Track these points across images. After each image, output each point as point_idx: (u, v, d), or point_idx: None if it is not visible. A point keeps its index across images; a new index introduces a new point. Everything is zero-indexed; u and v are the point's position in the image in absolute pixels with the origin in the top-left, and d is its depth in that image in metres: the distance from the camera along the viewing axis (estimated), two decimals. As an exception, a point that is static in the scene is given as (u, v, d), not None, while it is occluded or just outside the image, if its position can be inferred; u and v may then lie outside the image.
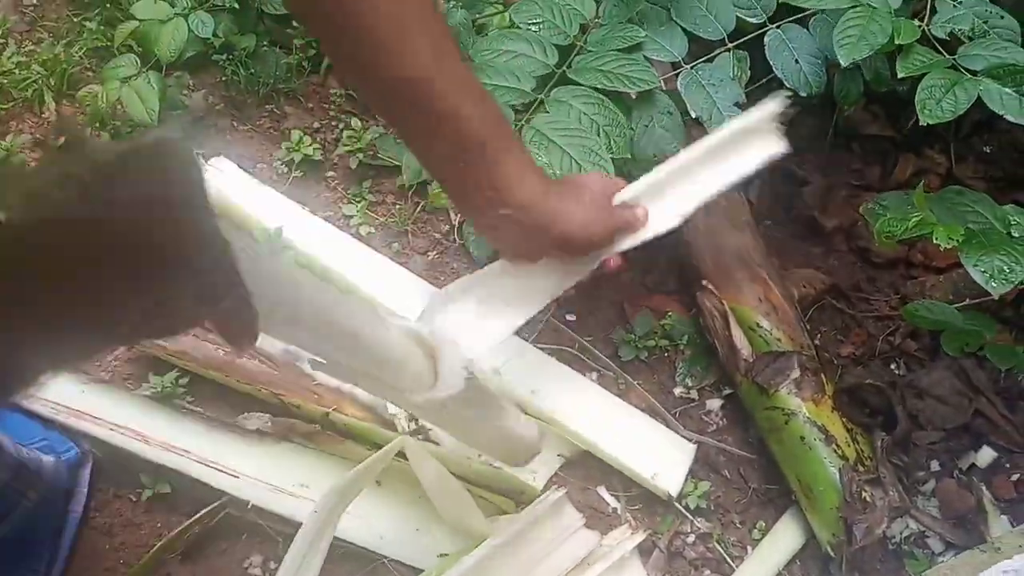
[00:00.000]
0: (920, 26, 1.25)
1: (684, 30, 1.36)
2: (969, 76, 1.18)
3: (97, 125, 1.57)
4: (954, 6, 1.29)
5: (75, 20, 1.70)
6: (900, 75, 1.21)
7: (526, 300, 0.91)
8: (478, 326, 0.98)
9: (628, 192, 0.96)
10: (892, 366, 1.62)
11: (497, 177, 0.80)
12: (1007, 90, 1.17)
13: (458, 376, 0.84)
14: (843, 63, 1.23)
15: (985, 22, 1.28)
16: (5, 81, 1.59)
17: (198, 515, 1.24)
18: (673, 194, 0.98)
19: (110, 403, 1.31)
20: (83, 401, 1.31)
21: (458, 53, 0.78)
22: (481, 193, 0.82)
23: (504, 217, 0.83)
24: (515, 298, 0.93)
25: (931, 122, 1.16)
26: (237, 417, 1.34)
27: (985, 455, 1.51)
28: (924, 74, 1.19)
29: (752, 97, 1.32)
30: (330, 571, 1.22)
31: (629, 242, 0.95)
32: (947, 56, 1.22)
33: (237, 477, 1.26)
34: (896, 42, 1.21)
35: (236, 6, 1.63)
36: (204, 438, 1.29)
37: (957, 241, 1.14)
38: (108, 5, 1.69)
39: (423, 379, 0.82)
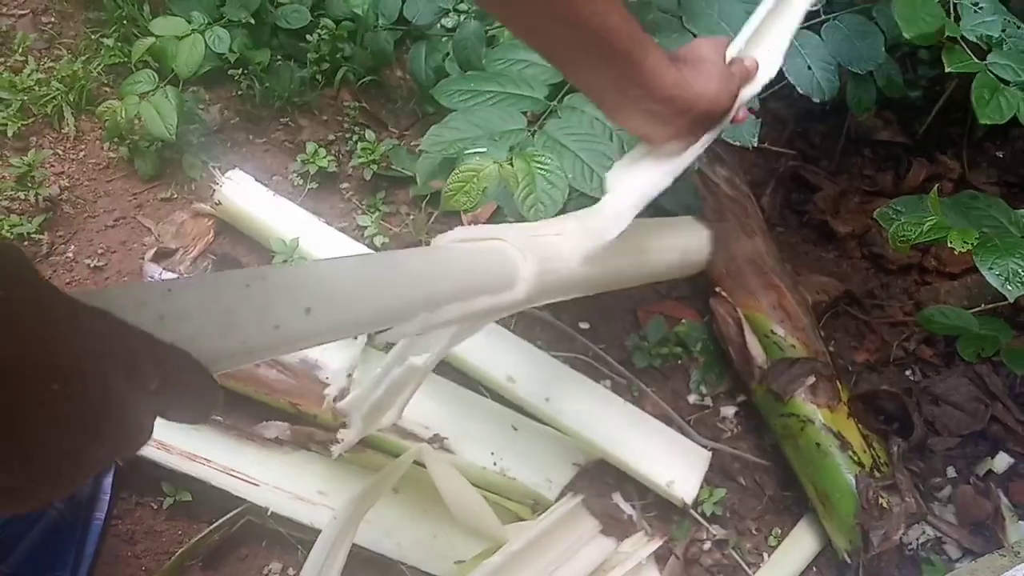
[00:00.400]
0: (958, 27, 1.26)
1: (696, 36, 1.36)
2: (1010, 88, 1.19)
3: (116, 140, 1.59)
4: (975, 11, 1.30)
5: (93, 37, 1.73)
6: (948, 69, 1.22)
7: (681, 161, 0.98)
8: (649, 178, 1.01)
9: (733, 48, 1.01)
10: (907, 372, 1.62)
11: (643, 77, 0.84)
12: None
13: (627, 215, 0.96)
14: (907, 35, 1.23)
15: (1002, 31, 1.29)
16: (26, 98, 1.61)
17: (218, 522, 1.25)
18: (769, 35, 1.02)
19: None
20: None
21: None
22: (628, 94, 0.86)
23: (650, 110, 0.88)
24: (670, 162, 0.99)
25: (989, 122, 1.17)
26: (256, 426, 1.35)
27: (1002, 461, 1.50)
28: (966, 73, 1.20)
29: (765, 103, 1.33)
30: (348, 578, 1.22)
31: (749, 92, 1.00)
32: (978, 61, 1.23)
33: (257, 485, 1.27)
34: (948, 34, 1.22)
35: (251, 22, 1.65)
36: (224, 447, 1.30)
37: (972, 245, 1.14)
38: (125, 22, 1.72)
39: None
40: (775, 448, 1.47)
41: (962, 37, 1.26)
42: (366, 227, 1.58)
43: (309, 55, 1.70)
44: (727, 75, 0.94)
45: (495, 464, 1.35)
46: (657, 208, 1.48)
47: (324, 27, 1.68)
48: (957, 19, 1.29)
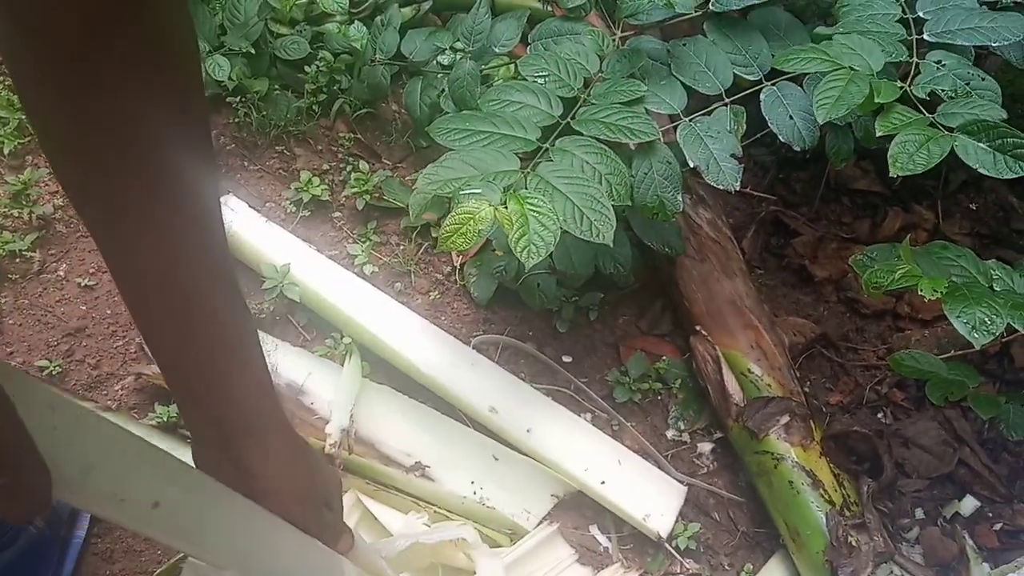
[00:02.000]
0: (902, 87, 1.31)
1: (684, 85, 1.41)
2: (944, 132, 1.24)
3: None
4: (937, 68, 1.36)
5: (93, 58, 1.75)
6: (879, 133, 1.27)
7: None
8: None
9: None
10: (879, 415, 1.66)
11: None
12: (981, 145, 1.22)
13: None
14: (820, 121, 1.29)
15: (967, 83, 1.35)
16: (23, 117, 1.63)
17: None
18: None
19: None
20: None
21: None
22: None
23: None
24: None
25: (902, 174, 1.22)
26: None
27: (968, 504, 1.54)
28: (898, 132, 1.25)
29: (748, 149, 1.37)
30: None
31: None
32: (927, 115, 1.28)
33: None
34: (876, 101, 1.27)
35: (251, 51, 1.69)
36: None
37: (941, 293, 1.18)
38: (126, 46, 1.75)
39: None
40: (749, 485, 1.51)
41: (914, 95, 1.32)
42: (356, 256, 1.62)
43: (307, 86, 1.74)
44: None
45: (475, 493, 1.38)
46: (643, 248, 1.54)
47: (322, 59, 1.72)
48: (913, 77, 1.35)
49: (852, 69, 1.31)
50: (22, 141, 1.63)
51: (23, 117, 1.64)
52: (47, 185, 1.60)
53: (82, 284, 1.51)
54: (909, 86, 1.33)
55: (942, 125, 1.26)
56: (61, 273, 1.52)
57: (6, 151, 1.60)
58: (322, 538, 0.78)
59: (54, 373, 1.41)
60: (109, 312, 1.49)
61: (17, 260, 1.51)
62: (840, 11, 1.47)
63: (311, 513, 0.76)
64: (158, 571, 1.25)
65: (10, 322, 1.45)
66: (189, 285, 0.59)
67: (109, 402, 1.41)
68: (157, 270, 0.57)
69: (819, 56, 1.34)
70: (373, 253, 1.64)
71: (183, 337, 0.61)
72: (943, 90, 1.34)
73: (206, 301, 0.60)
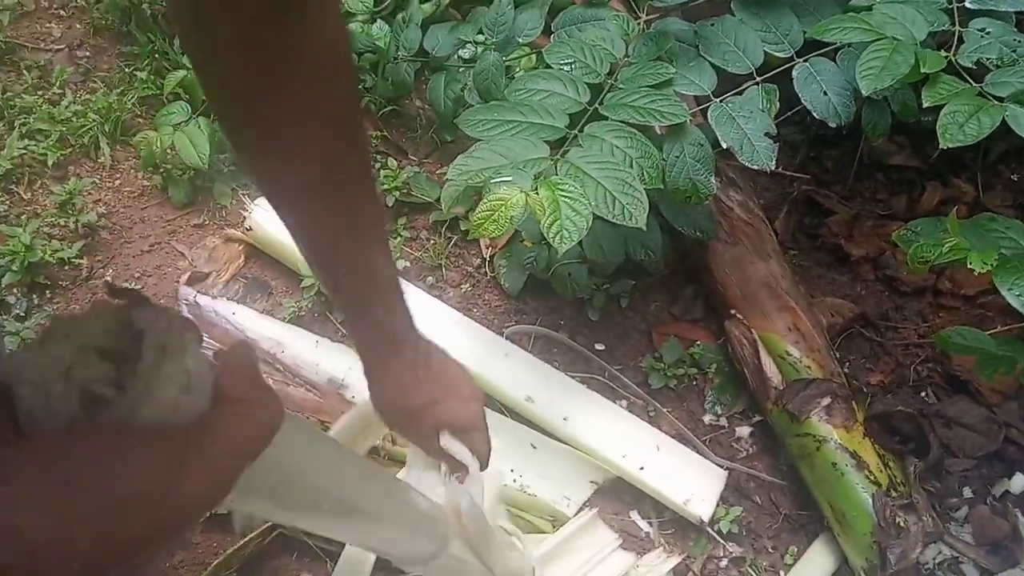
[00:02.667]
0: (947, 56, 1.28)
1: (713, 65, 1.40)
2: (994, 102, 1.21)
3: (150, 169, 1.65)
4: (982, 36, 1.33)
5: (126, 70, 1.79)
6: (925, 104, 1.24)
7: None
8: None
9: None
10: (922, 394, 1.63)
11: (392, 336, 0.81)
12: (1035, 114, 1.19)
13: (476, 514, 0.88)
14: (865, 93, 1.26)
15: (1014, 51, 1.31)
16: (64, 129, 1.67)
17: (251, 535, 1.28)
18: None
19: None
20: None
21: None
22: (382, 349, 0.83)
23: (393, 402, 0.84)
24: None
25: (951, 146, 1.19)
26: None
27: (1018, 482, 1.51)
28: (946, 103, 1.22)
29: (778, 128, 1.36)
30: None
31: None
32: (974, 84, 1.25)
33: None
34: (922, 71, 1.24)
35: (279, 53, 1.70)
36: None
37: (991, 266, 1.15)
38: (157, 56, 1.78)
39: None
40: (790, 467, 1.49)
41: (959, 64, 1.30)
42: (389, 252, 1.62)
43: (335, 84, 1.75)
44: (476, 393, 0.88)
45: (515, 481, 1.38)
46: (673, 233, 1.53)
47: (348, 58, 1.73)
48: (958, 46, 1.32)
49: (895, 39, 1.28)
50: (64, 152, 1.67)
51: (64, 129, 1.67)
52: (90, 194, 1.64)
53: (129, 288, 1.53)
54: (954, 55, 1.30)
55: (991, 95, 1.24)
56: (108, 278, 1.55)
57: (49, 163, 1.64)
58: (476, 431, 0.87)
59: (105, 375, 1.43)
60: (155, 316, 1.51)
61: (66, 268, 1.55)
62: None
63: (476, 405, 0.87)
64: (215, 562, 1.27)
65: (62, 328, 1.48)
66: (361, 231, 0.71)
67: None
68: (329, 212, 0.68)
69: (860, 26, 1.31)
70: (404, 248, 1.65)
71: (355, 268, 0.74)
72: (989, 59, 1.31)
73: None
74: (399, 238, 1.65)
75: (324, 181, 0.66)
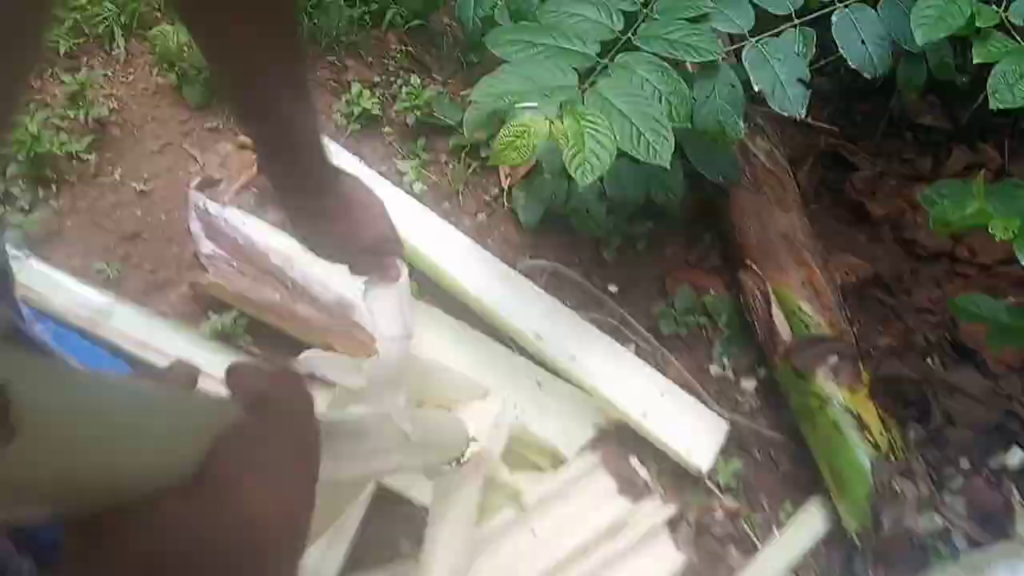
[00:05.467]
0: (998, 12, 1.24)
1: (752, 3, 1.35)
2: None
3: (165, 66, 1.59)
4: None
5: (144, -41, 1.72)
6: (976, 60, 1.20)
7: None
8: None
9: None
10: (928, 360, 1.62)
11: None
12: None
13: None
14: (919, 43, 1.22)
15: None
16: (78, 16, 1.60)
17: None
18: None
19: (176, 338, 1.33)
20: (150, 334, 1.33)
21: None
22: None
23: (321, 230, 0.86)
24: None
25: (1001, 107, 1.15)
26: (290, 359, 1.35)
27: (1016, 456, 1.50)
28: (997, 61, 1.18)
29: (817, 76, 1.32)
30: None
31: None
32: (1023, 43, 1.21)
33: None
34: (977, 24, 1.20)
35: (304, -45, 1.64)
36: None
37: (1013, 234, 1.13)
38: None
39: None
40: (792, 425, 1.48)
41: (1010, 23, 1.25)
42: (406, 173, 1.59)
43: (359, -6, 1.70)
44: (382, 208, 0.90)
45: (516, 417, 1.37)
46: (694, 179, 1.49)
47: (374, -34, 1.68)
48: (1009, 3, 1.27)
49: (950, -11, 1.24)
50: (77, 41, 1.60)
51: (78, 17, 1.61)
52: (102, 88, 1.57)
53: (137, 189, 1.49)
54: (1004, 12, 1.26)
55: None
56: (117, 177, 1.50)
57: (61, 51, 1.57)
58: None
59: (111, 277, 1.40)
60: (164, 218, 1.48)
61: (74, 162, 1.49)
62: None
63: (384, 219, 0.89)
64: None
65: (68, 224, 1.44)
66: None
67: (164, 309, 1.41)
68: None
69: (917, -28, 1.26)
70: (422, 171, 1.61)
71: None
72: None
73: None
74: (417, 160, 1.61)
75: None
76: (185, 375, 0.45)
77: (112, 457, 0.35)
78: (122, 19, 1.62)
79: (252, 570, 0.40)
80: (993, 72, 1.17)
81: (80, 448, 0.33)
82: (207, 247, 1.42)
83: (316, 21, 1.66)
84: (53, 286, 1.32)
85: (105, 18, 1.61)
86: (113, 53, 1.62)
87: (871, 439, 1.37)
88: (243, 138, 1.56)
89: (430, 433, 1.00)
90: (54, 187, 1.47)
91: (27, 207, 1.44)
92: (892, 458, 1.36)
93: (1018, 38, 1.23)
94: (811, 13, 1.36)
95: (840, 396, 1.40)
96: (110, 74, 1.60)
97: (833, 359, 1.43)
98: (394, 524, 1.28)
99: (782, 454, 1.48)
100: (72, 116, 1.52)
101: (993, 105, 1.16)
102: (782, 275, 1.51)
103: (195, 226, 1.44)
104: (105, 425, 0.35)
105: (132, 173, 1.51)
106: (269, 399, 0.44)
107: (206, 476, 0.39)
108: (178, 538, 0.38)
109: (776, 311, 1.48)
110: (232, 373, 0.45)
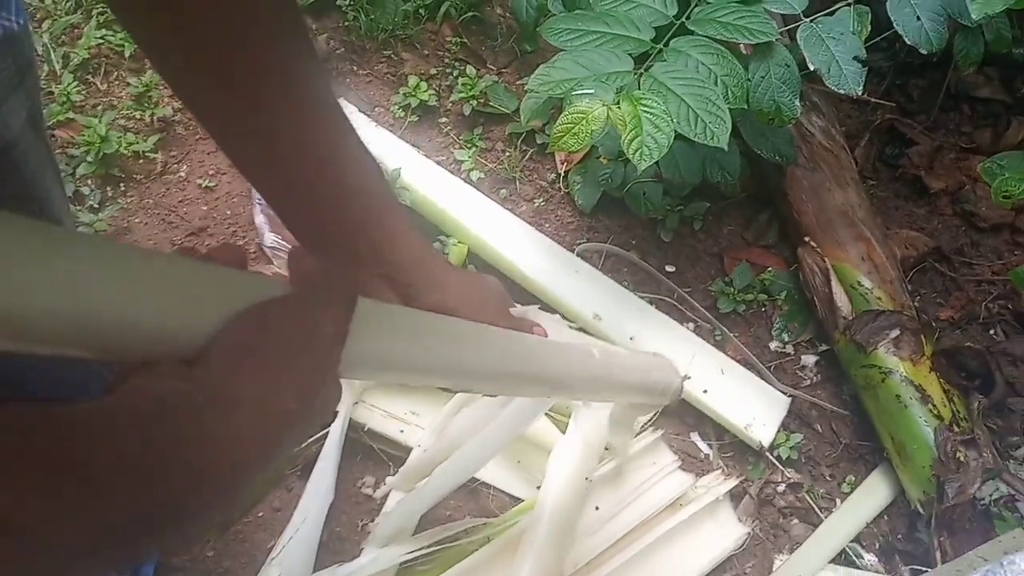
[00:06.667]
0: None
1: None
2: None
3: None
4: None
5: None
6: None
7: None
8: None
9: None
10: (991, 331, 1.61)
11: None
12: None
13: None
14: (975, 17, 1.22)
15: None
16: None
17: (317, 435, 1.32)
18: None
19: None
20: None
21: None
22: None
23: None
24: None
25: None
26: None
27: (1083, 424, 1.50)
28: None
29: (872, 52, 1.32)
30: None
31: None
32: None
33: (356, 402, 1.34)
34: None
35: (359, -47, 1.69)
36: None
37: (1074, 204, 1.13)
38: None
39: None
40: (853, 398, 1.50)
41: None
42: (463, 162, 1.63)
43: (414, -12, 1.74)
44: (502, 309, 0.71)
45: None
46: (751, 158, 1.51)
47: (428, -39, 1.71)
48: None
49: (1005, -38, 1.23)
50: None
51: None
52: (166, 88, 1.64)
53: (203, 185, 1.56)
54: (1061, -19, 1.25)
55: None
56: (183, 174, 1.57)
57: (127, 54, 1.65)
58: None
59: (180, 272, 1.47)
60: (229, 213, 1.54)
61: (141, 161, 1.57)
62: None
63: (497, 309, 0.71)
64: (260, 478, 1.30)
65: (137, 221, 1.51)
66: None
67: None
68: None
69: (971, -54, 1.26)
70: (479, 159, 1.65)
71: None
72: None
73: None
74: (474, 149, 1.65)
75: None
76: (234, 256, 0.43)
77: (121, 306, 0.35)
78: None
79: (204, 471, 0.36)
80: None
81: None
82: (270, 239, 1.47)
83: (372, 16, 1.71)
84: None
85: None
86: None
87: (934, 410, 1.38)
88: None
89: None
90: (122, 186, 1.54)
91: (97, 206, 1.51)
92: (955, 428, 1.37)
93: (1075, 8, 1.22)
94: (865, -10, 1.36)
95: (902, 368, 1.41)
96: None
97: (894, 332, 1.44)
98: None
99: (844, 427, 1.49)
100: (138, 117, 1.59)
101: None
102: (841, 251, 1.52)
103: (259, 219, 1.50)
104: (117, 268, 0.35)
105: (197, 170, 1.58)
106: (314, 285, 0.42)
107: (205, 351, 0.37)
108: (143, 411, 0.35)
109: (836, 286, 1.49)
110: (292, 257, 0.43)
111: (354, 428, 1.33)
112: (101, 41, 1.65)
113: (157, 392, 0.36)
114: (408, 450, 1.32)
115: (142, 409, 0.35)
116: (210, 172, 1.57)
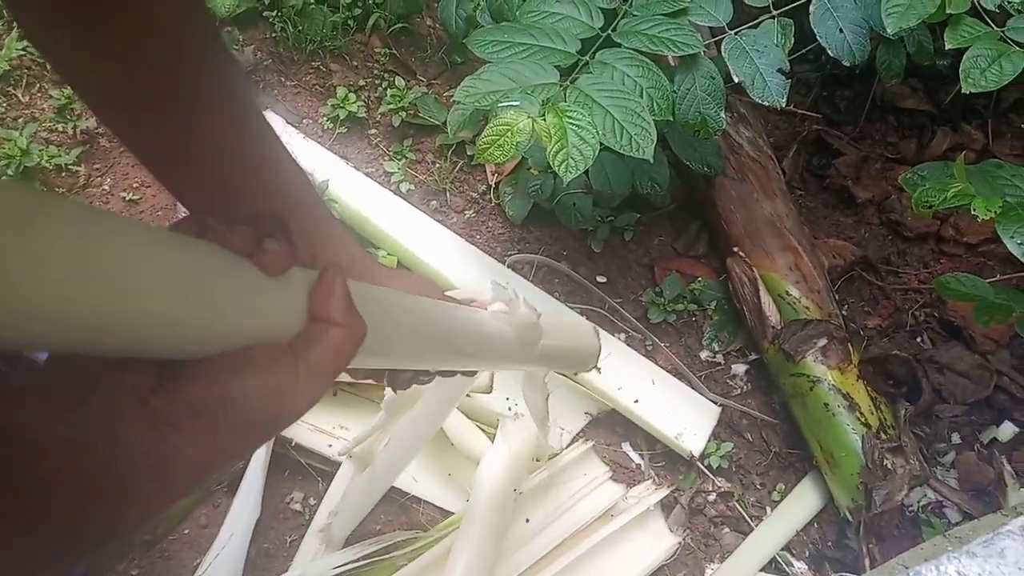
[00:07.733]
0: (970, -2, 1.26)
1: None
2: (1015, 48, 1.19)
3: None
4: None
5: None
6: (948, 46, 1.22)
7: None
8: None
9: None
10: (918, 339, 1.64)
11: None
12: (1057, 62, 1.17)
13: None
14: (890, 31, 1.24)
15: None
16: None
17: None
18: None
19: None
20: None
21: None
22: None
23: None
24: None
25: (973, 91, 1.17)
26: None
27: (1006, 430, 1.53)
28: (970, 45, 1.20)
29: (791, 66, 1.34)
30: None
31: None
32: (996, 28, 1.23)
33: (279, 418, 1.30)
34: (947, 11, 1.22)
35: (286, -37, 1.66)
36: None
37: (995, 213, 1.15)
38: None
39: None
40: (783, 407, 1.51)
41: (982, 7, 1.27)
42: (393, 173, 1.61)
43: (342, 0, 1.72)
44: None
45: (509, 410, 1.39)
46: (680, 169, 1.51)
47: (356, -28, 1.69)
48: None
49: (921, -23, 1.26)
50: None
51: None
52: (85, 100, 1.60)
53: (127, 198, 1.52)
54: (977, -2, 1.28)
55: (1012, 40, 1.22)
56: (106, 187, 1.53)
57: (49, 66, 1.60)
58: None
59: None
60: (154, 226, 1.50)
61: (63, 174, 1.52)
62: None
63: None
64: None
65: (57, 235, 1.47)
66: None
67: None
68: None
69: (886, -39, 1.28)
70: (409, 171, 1.63)
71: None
72: (1012, 2, 1.28)
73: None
74: (404, 160, 1.63)
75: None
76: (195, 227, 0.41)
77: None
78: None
79: (137, 494, 0.34)
80: (965, 56, 1.19)
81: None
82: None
83: (300, 28, 1.68)
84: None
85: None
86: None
87: (861, 418, 1.39)
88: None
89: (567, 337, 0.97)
90: (45, 200, 1.49)
91: (19, 220, 1.46)
92: (883, 435, 1.39)
93: (989, 22, 1.25)
94: (789, 3, 1.38)
95: (830, 377, 1.42)
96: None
97: (822, 341, 1.45)
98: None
99: (773, 435, 1.51)
100: (61, 129, 1.55)
101: (966, 89, 1.18)
102: (769, 260, 1.54)
103: (186, 232, 1.46)
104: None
105: (122, 183, 1.54)
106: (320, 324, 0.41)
107: (183, 376, 0.36)
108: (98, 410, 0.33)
109: (764, 296, 1.51)
110: (324, 276, 0.42)
111: (281, 443, 1.30)
112: (23, 52, 1.60)
113: (112, 410, 0.34)
114: (336, 465, 1.30)
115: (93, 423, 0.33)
116: (134, 185, 1.54)
